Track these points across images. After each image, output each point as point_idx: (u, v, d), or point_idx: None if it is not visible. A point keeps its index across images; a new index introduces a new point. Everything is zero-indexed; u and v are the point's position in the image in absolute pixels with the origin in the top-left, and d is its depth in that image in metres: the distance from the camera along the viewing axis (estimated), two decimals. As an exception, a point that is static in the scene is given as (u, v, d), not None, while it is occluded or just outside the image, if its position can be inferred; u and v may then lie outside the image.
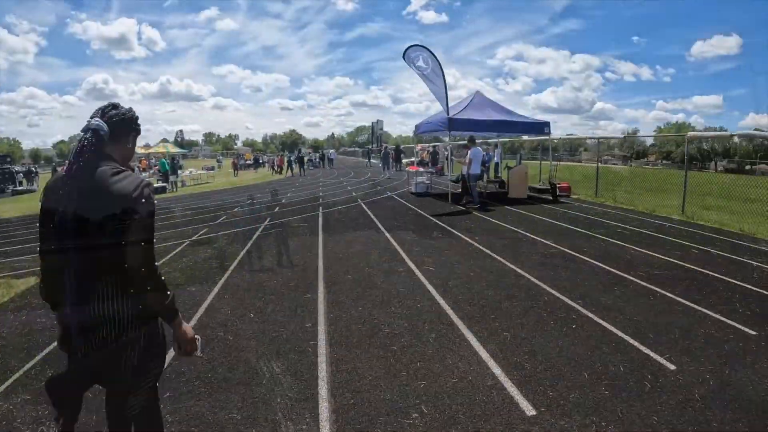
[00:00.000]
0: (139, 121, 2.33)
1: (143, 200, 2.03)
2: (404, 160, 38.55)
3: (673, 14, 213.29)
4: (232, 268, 7.58)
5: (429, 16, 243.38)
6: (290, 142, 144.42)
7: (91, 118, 2.12)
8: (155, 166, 28.41)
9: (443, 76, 15.13)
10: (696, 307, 5.60)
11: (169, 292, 2.12)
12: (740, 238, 9.79)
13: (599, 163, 21.77)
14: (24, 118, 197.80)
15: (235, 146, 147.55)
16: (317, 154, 55.36)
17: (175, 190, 26.98)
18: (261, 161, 55.63)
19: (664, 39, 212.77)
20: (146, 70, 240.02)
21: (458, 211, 13.93)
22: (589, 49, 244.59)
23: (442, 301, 5.89)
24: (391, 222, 11.80)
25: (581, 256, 8.07)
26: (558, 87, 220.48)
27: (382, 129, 63.85)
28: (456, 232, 10.42)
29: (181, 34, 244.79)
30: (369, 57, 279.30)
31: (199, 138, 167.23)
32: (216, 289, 6.48)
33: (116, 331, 2.04)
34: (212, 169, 36.66)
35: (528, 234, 10.22)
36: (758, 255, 8.26)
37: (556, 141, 19.61)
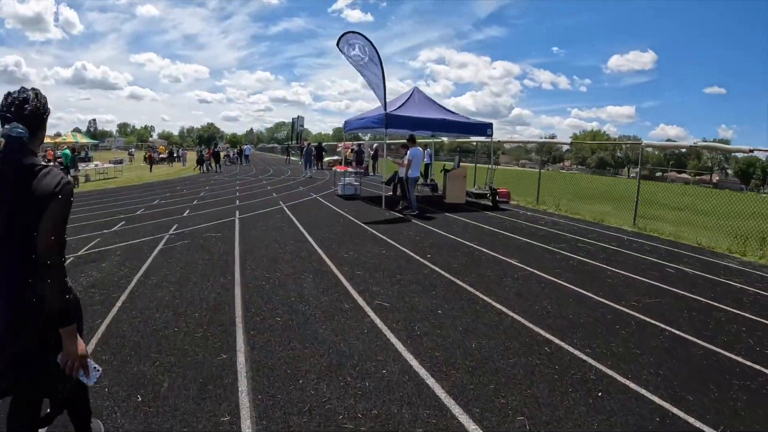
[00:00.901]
0: (47, 104, 2.27)
1: (60, 196, 2.05)
2: (326, 159, 36.67)
3: (593, 28, 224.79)
4: (119, 305, 5.41)
5: (354, 15, 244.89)
6: (208, 136, 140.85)
7: (7, 113, 2.09)
8: (59, 158, 24.96)
9: (382, 67, 13.47)
10: (714, 348, 4.79)
11: (68, 296, 2.10)
12: (703, 253, 9.70)
13: (539, 168, 20.77)
14: None
15: (151, 138, 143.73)
16: (234, 150, 52.17)
17: (76, 185, 23.70)
18: (176, 155, 52.13)
19: (583, 51, 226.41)
20: (61, 54, 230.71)
21: (395, 219, 12.39)
22: (510, 56, 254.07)
23: (416, 365, 4.14)
24: (322, 233, 10.01)
25: (558, 281, 6.94)
26: (477, 91, 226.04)
27: (302, 126, 61.79)
28: (402, 248, 8.82)
29: (100, 18, 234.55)
30: (292, 53, 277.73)
31: (114, 129, 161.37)
32: (93, 342, 4.36)
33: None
34: (120, 162, 33.03)
35: (485, 250, 8.88)
36: (733, 274, 8.04)
37: (489, 144, 18.40)
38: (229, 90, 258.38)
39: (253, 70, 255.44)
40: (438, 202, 16.22)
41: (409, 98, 15.84)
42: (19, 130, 2.05)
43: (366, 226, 10.96)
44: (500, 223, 12.45)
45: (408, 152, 13.29)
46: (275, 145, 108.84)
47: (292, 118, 61.57)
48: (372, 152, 31.13)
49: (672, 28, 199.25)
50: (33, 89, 2.21)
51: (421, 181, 16.27)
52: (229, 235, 9.49)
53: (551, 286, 6.70)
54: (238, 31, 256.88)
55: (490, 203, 16.40)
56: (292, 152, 53.25)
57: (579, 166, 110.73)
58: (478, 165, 21.88)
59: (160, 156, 47.90)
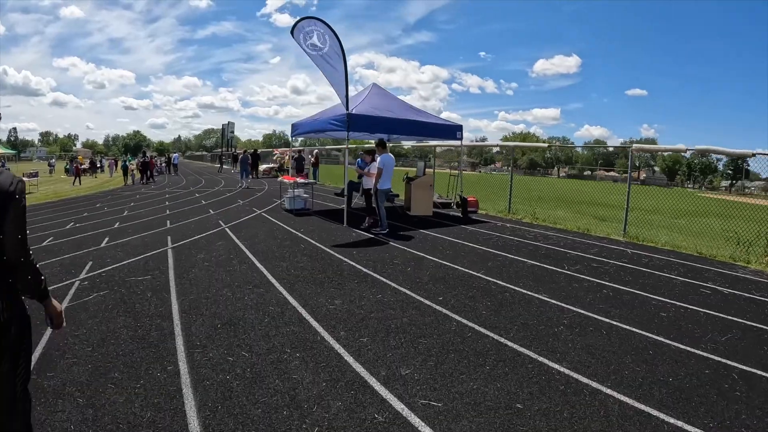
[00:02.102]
0: None
1: (17, 195, 2.07)
2: (261, 167, 34.01)
3: (520, 34, 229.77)
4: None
5: (283, 19, 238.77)
6: (134, 145, 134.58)
7: None
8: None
9: (345, 59, 11.30)
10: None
11: (42, 276, 2.23)
12: (713, 264, 8.95)
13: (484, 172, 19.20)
14: None
15: (75, 148, 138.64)
16: (163, 159, 48.09)
17: None
18: (99, 165, 48.00)
19: (510, 56, 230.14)
20: None
21: (366, 240, 10.32)
22: (439, 61, 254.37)
23: None
24: (284, 268, 7.72)
25: (616, 323, 5.53)
26: (406, 95, 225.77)
27: (233, 132, 58.62)
28: (400, 288, 6.74)
29: (22, 19, 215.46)
30: (220, 57, 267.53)
31: (36, 137, 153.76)
32: None
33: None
34: (35, 175, 28.73)
35: (501, 282, 7.17)
36: (759, 288, 7.31)
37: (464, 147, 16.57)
38: (156, 96, 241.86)
39: (180, 75, 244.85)
40: (401, 215, 14.16)
41: (367, 95, 13.69)
42: None
43: (338, 254, 8.75)
44: (488, 239, 10.67)
45: (378, 159, 11.13)
46: (204, 152, 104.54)
47: (222, 125, 58.43)
48: (312, 159, 28.65)
49: (595, 33, 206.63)
50: None
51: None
52: (161, 278, 6.98)
53: (614, 332, 5.23)
54: (166, 34, 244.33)
55: (459, 214, 14.66)
56: (225, 160, 50.07)
57: (508, 167, 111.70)
58: (450, 172, 20.06)
59: (81, 166, 43.41)
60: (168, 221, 12.57)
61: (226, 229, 11.20)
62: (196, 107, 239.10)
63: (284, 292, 6.34)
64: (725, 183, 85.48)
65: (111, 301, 5.87)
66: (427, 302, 6.10)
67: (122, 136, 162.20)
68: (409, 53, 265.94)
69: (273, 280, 6.90)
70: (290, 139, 17.05)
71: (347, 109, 11.64)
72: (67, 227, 11.76)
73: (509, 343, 4.79)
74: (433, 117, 14.82)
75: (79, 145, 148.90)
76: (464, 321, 5.44)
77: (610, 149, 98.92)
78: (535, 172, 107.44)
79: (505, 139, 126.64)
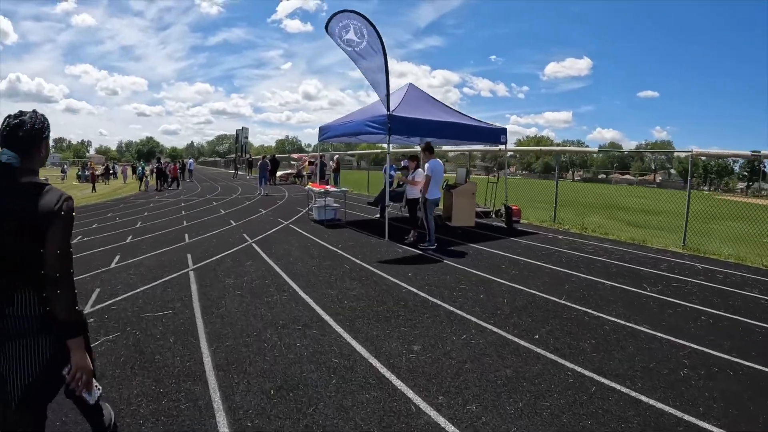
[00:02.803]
0: (47, 123, 2.33)
1: (63, 213, 2.11)
2: (278, 173, 32.71)
3: (530, 37, 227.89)
4: None
5: (294, 25, 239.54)
6: (147, 151, 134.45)
7: (1, 139, 2.17)
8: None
9: (384, 53, 9.99)
10: None
11: (77, 308, 2.15)
12: None
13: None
14: None
15: (88, 153, 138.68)
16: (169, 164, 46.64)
17: None
18: (112, 171, 47.04)
19: (520, 59, 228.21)
20: None
21: (414, 257, 9.03)
22: (449, 65, 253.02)
23: None
24: (330, 295, 6.42)
25: (726, 357, 4.67)
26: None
27: (246, 137, 57.50)
28: (485, 324, 5.42)
29: (34, 27, 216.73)
30: (231, 63, 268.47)
31: (49, 144, 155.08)
32: None
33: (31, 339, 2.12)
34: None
35: (591, 311, 5.98)
36: None
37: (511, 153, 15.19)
38: (168, 103, 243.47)
39: (192, 81, 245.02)
40: (441, 225, 12.74)
41: (404, 96, 12.32)
42: (8, 156, 2.13)
43: (391, 277, 7.41)
44: (548, 255, 9.43)
45: (427, 166, 9.79)
46: (217, 158, 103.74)
47: (236, 130, 57.30)
48: (333, 164, 27.18)
49: (606, 35, 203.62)
50: (32, 111, 2.27)
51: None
52: (184, 313, 5.63)
53: (741, 373, 4.33)
54: (177, 41, 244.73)
55: (502, 224, 13.40)
56: (240, 166, 48.88)
57: (524, 171, 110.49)
58: (496, 178, 18.64)
59: (94, 173, 42.01)
60: (186, 235, 11.24)
61: (254, 245, 9.85)
62: (208, 113, 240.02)
63: (345, 335, 4.98)
64: (741, 185, 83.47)
65: (123, 350, 4.52)
66: (524, 343, 4.85)
67: (135, 142, 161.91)
68: (420, 58, 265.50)
69: (325, 316, 5.54)
70: (318, 144, 15.51)
71: (388, 109, 10.30)
72: (74, 241, 10.43)
73: (644, 398, 3.80)
74: (475, 120, 13.44)
75: (92, 151, 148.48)
76: (578, 369, 4.31)
77: (669, 154, 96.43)
78: (550, 176, 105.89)
79: (519, 143, 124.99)
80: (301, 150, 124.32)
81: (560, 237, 11.68)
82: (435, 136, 11.86)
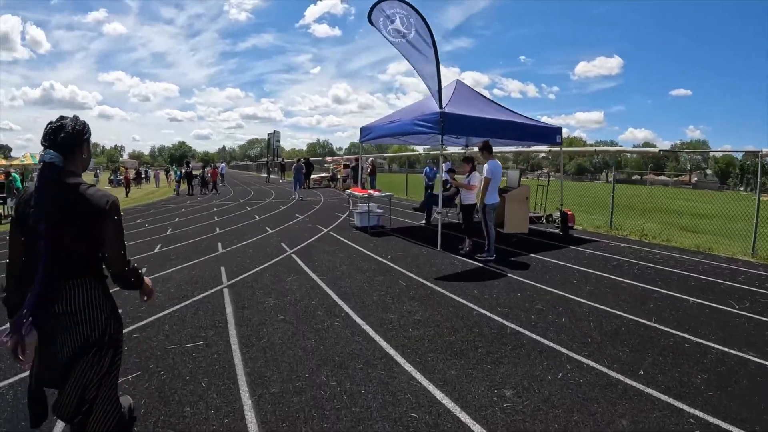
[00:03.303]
0: (87, 127, 2.45)
1: (113, 215, 2.29)
2: (312, 176, 31.86)
3: (559, 36, 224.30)
4: None
5: (322, 30, 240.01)
6: (179, 155, 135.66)
7: (45, 142, 2.29)
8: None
9: (434, 44, 9.03)
10: None
11: (139, 271, 2.52)
12: None
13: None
14: None
15: (121, 158, 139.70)
16: (207, 168, 45.81)
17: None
18: (145, 175, 47.00)
19: (550, 59, 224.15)
20: (29, 74, 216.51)
21: (474, 271, 8.05)
22: (478, 67, 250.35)
23: None
24: (390, 321, 5.46)
25: None
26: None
27: (278, 141, 57.12)
28: (569, 352, 4.49)
29: (67, 36, 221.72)
30: (261, 69, 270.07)
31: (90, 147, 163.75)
32: None
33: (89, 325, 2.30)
34: None
35: (685, 335, 5.13)
36: None
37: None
38: (200, 108, 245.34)
39: (222, 87, 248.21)
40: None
41: (454, 93, 11.31)
42: (51, 155, 2.25)
43: (456, 296, 6.42)
44: (617, 267, 8.39)
45: (486, 167, 8.80)
46: (249, 162, 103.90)
47: (268, 134, 57.11)
48: (369, 167, 26.04)
49: (636, 33, 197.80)
50: (73, 117, 2.41)
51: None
52: (219, 345, 4.71)
53: None
54: (207, 48, 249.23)
55: (556, 230, 12.36)
56: (272, 170, 48.26)
57: (556, 173, 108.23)
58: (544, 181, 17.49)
59: (128, 177, 41.43)
60: (219, 244, 10.41)
61: (294, 257, 8.94)
62: (239, 118, 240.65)
63: (417, 376, 4.01)
64: (785, 185, 79.94)
65: (144, 396, 3.62)
66: (631, 382, 4.00)
67: (168, 146, 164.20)
68: (449, 60, 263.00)
69: (390, 350, 4.57)
70: (360, 145, 14.47)
71: (441, 106, 9.32)
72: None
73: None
74: (528, 118, 12.34)
75: (125, 156, 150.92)
76: (699, 413, 3.50)
77: (705, 154, 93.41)
78: (583, 177, 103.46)
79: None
80: (332, 153, 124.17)
81: (622, 245, 10.58)
82: (489, 135, 10.79)
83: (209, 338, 4.83)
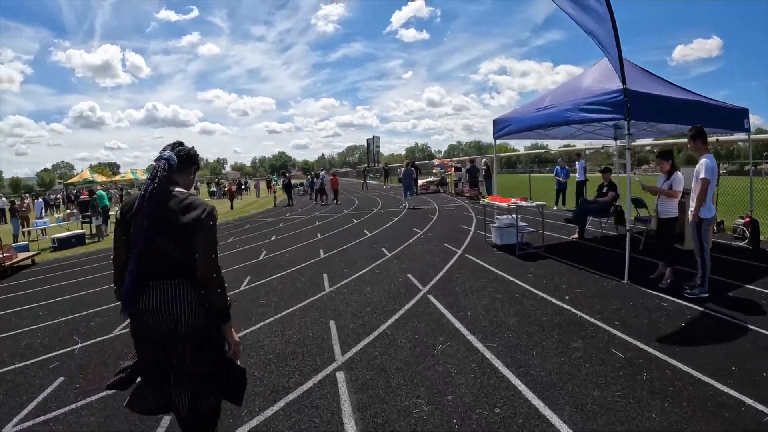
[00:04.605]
0: (198, 158, 2.73)
1: (210, 223, 2.41)
2: (420, 181, 29.33)
3: (652, 21, 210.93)
4: None
5: (410, 34, 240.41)
6: (279, 165, 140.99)
7: (163, 150, 2.55)
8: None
9: (612, 17, 6.32)
10: None
11: (228, 299, 2.52)
12: None
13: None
14: (12, 147, 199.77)
15: (224, 171, 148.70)
16: (307, 177, 44.22)
17: (100, 239, 17.29)
18: (245, 186, 47.05)
19: (646, 45, 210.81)
20: (132, 97, 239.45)
21: (699, 319, 5.27)
22: (572, 59, 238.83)
23: None
24: (591, 412, 2.83)
25: None
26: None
27: (378, 147, 55.54)
28: None
29: (165, 60, 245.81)
30: (353, 77, 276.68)
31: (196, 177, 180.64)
32: None
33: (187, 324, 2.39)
34: None
35: None
36: None
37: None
38: (297, 119, 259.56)
39: (317, 97, 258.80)
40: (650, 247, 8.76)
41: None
42: (169, 153, 2.50)
43: (714, 382, 3.76)
44: None
45: (703, 162, 6.06)
46: (347, 169, 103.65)
47: (367, 140, 55.98)
48: (484, 170, 23.04)
49: (732, 9, 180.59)
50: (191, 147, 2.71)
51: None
52: None
53: None
54: (299, 61, 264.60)
55: (741, 243, 9.26)
56: (370, 175, 46.30)
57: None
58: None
59: (231, 189, 40.32)
60: (325, 275, 8.25)
61: (431, 299, 6.55)
62: (335, 126, 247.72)
63: None
64: None
65: None
66: None
67: (268, 157, 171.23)
68: (541, 54, 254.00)
69: None
70: (494, 141, 11.57)
71: (624, 81, 6.64)
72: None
73: None
74: (707, 97, 9.08)
75: (228, 168, 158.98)
76: None
77: None
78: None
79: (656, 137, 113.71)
80: (431, 157, 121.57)
81: None
82: (675, 121, 7.92)
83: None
